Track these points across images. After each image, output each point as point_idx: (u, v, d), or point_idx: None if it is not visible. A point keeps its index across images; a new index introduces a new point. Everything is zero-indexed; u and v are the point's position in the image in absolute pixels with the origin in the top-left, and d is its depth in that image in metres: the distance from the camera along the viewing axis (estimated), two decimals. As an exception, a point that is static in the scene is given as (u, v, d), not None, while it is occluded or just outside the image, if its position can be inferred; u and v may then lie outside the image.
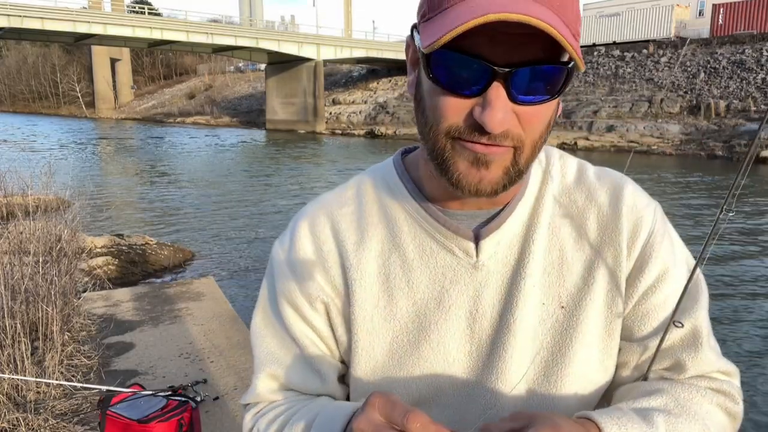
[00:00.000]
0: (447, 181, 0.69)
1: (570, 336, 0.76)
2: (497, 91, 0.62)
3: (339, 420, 0.69)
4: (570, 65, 0.63)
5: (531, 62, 0.62)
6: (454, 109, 0.65)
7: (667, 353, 0.77)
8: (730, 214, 0.66)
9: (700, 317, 0.77)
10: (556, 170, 0.81)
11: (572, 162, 0.84)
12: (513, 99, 0.63)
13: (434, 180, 0.75)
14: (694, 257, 0.78)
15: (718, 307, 6.75)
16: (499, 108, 0.62)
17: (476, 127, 0.64)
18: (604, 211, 0.78)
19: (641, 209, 0.78)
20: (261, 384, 0.85)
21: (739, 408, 0.77)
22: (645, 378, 0.77)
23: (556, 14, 0.60)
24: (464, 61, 0.62)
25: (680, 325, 0.74)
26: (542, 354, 0.77)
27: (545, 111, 0.66)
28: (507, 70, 0.61)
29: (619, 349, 0.79)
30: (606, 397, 0.81)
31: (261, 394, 0.85)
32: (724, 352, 0.81)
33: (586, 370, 0.77)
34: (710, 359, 0.77)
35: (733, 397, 0.77)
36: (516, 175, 0.68)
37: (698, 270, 0.77)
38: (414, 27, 0.71)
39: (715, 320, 6.61)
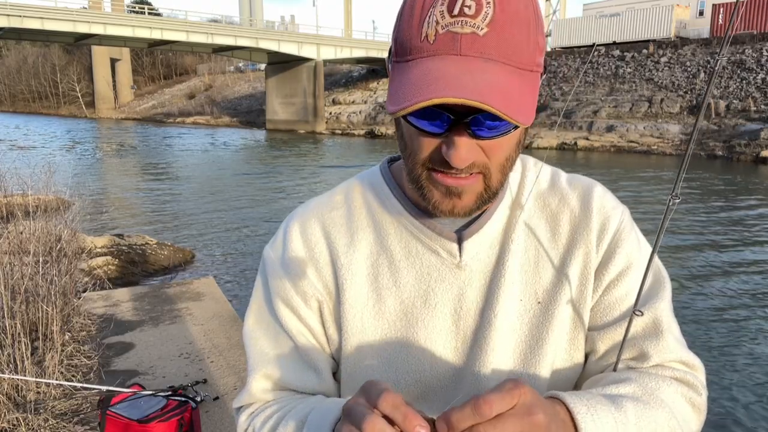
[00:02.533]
0: (425, 204, 0.76)
1: (546, 329, 0.81)
2: (459, 134, 0.67)
3: (332, 413, 0.70)
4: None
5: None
6: (426, 144, 0.71)
7: (631, 343, 0.80)
8: (677, 201, 0.72)
9: (661, 308, 0.81)
10: (531, 177, 0.87)
11: (546, 169, 0.89)
12: (475, 136, 0.68)
13: None
14: (653, 246, 0.83)
15: (716, 298, 6.76)
16: (462, 146, 0.67)
17: (445, 161, 0.69)
18: (575, 213, 0.84)
19: (609, 210, 0.84)
20: (255, 385, 0.86)
21: (702, 400, 0.80)
22: (614, 369, 0.81)
23: (508, 64, 0.65)
24: (430, 112, 0.66)
25: (640, 313, 0.77)
26: (521, 347, 0.81)
27: (509, 139, 0.71)
28: (466, 118, 0.66)
29: (586, 339, 0.84)
30: (576, 388, 0.85)
31: (255, 395, 0.86)
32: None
33: (559, 361, 0.82)
34: (672, 347, 0.80)
35: (696, 388, 0.80)
36: (489, 197, 0.75)
37: (661, 266, 0.84)
38: (389, 55, 0.75)
39: (708, 312, 6.60)
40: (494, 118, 0.66)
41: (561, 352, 0.82)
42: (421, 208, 0.83)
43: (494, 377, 0.80)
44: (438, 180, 0.72)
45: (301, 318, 0.85)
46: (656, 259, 0.84)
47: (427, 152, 0.71)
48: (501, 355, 0.80)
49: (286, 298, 0.85)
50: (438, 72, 0.64)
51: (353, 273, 0.84)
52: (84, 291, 5.25)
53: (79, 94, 77.54)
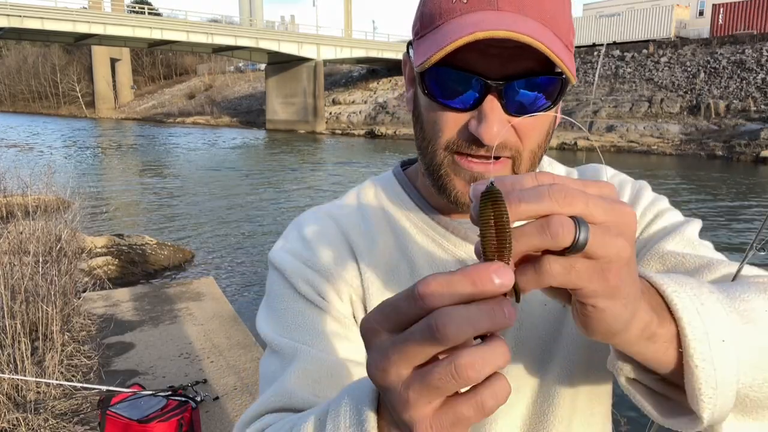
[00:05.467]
0: (445, 198, 0.70)
1: (567, 329, 0.75)
2: (492, 104, 0.63)
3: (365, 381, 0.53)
4: (563, 76, 0.64)
5: (524, 74, 0.62)
6: (451, 122, 0.66)
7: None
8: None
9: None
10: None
11: (560, 168, 0.87)
12: (508, 111, 0.63)
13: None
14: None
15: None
16: (494, 120, 0.62)
17: (473, 140, 0.65)
18: None
19: (622, 179, 0.84)
20: (293, 381, 0.69)
21: None
22: None
23: (546, 26, 0.61)
24: (458, 76, 0.63)
25: (763, 250, 0.75)
26: (536, 352, 0.75)
27: (542, 122, 0.67)
28: (500, 83, 0.62)
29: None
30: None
31: (291, 391, 0.68)
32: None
33: (580, 361, 0.75)
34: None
35: None
36: None
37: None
38: (410, 44, 0.72)
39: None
40: (529, 86, 0.63)
41: (585, 347, 0.75)
42: (442, 211, 0.78)
43: (519, 388, 0.74)
44: (462, 166, 0.67)
45: (337, 318, 0.75)
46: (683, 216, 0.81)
47: (453, 132, 0.66)
48: (526, 364, 0.75)
49: (318, 298, 0.75)
50: (475, 18, 0.60)
51: (372, 282, 0.76)
52: (84, 291, 5.25)
53: (79, 94, 77.49)
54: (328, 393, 0.67)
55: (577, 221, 0.39)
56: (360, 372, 0.70)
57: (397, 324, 0.39)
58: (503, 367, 0.37)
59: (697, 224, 0.78)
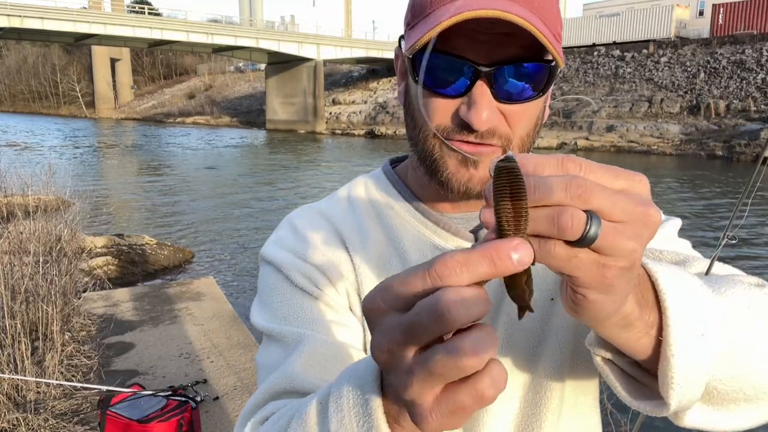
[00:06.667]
0: (436, 182, 0.71)
1: (555, 322, 0.75)
2: (481, 89, 0.64)
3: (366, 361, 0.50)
4: (552, 63, 0.65)
5: (513, 60, 0.64)
6: (441, 109, 0.67)
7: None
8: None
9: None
10: None
11: None
12: (497, 97, 0.65)
13: (426, 185, 0.78)
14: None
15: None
16: (484, 105, 0.64)
17: (463, 126, 0.66)
18: None
19: None
20: (297, 363, 0.68)
21: None
22: None
23: (535, 14, 0.62)
24: (448, 62, 0.64)
25: (735, 239, 0.77)
26: (535, 348, 0.75)
27: (531, 110, 0.68)
28: (490, 68, 0.63)
29: None
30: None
31: (295, 374, 0.68)
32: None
33: (569, 352, 0.75)
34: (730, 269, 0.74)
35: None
36: None
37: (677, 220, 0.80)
38: (401, 38, 0.73)
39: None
40: (518, 74, 0.63)
41: (566, 340, 0.75)
42: (432, 206, 0.78)
43: (510, 379, 0.73)
44: (454, 146, 0.67)
45: (335, 308, 0.76)
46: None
47: (443, 118, 0.67)
48: (516, 358, 0.75)
49: (315, 289, 0.76)
50: (464, 2, 0.61)
51: (368, 273, 0.77)
52: (84, 291, 5.25)
53: (79, 94, 77.49)
54: (335, 375, 0.62)
55: (590, 216, 0.37)
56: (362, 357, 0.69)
57: (406, 303, 0.37)
58: (495, 354, 0.36)
59: (676, 222, 0.80)
